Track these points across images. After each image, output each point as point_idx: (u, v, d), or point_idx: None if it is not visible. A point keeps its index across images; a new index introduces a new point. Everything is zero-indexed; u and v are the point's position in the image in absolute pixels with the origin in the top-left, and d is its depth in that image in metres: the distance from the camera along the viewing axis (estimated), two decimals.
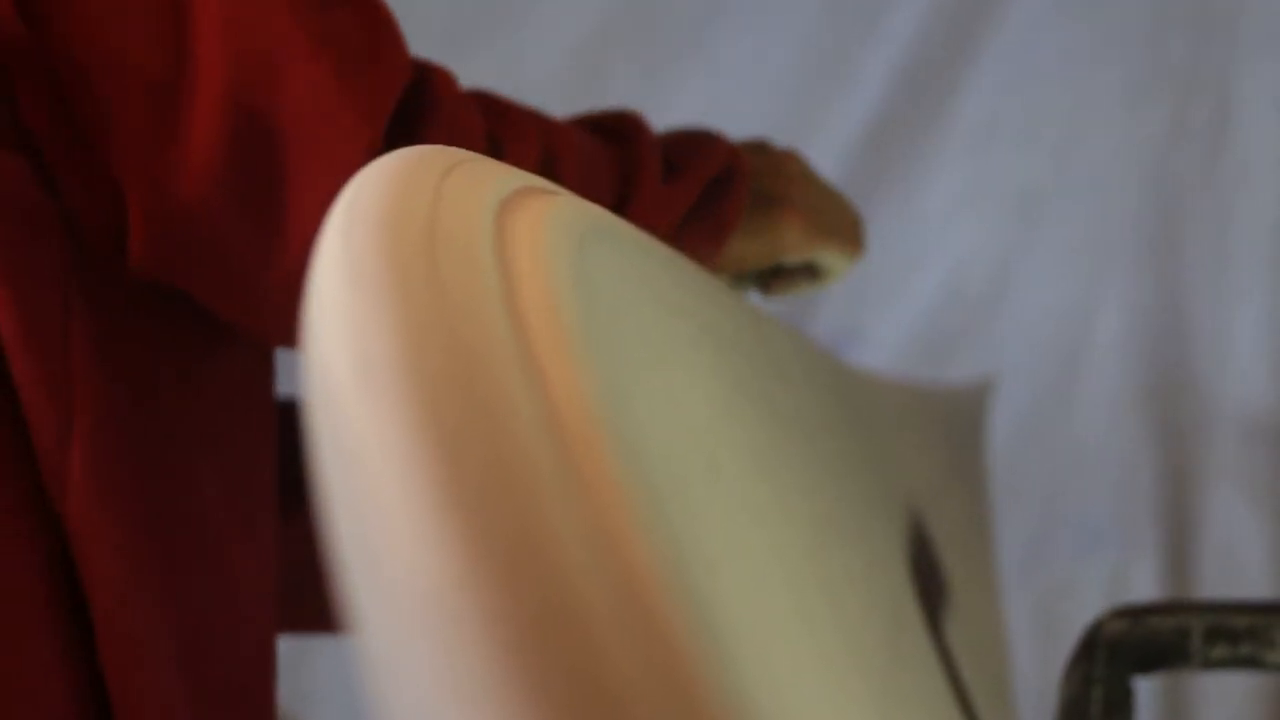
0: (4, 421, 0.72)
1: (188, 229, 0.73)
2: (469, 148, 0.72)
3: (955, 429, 1.41)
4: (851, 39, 1.86)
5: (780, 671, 0.55)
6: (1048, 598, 1.74)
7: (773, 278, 1.03)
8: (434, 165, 0.50)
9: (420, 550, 0.39)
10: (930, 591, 0.98)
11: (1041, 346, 1.83)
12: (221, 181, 0.72)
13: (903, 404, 1.31)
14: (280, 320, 0.69)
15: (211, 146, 0.71)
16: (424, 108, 0.75)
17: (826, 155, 1.84)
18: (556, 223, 0.51)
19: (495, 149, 0.78)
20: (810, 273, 1.02)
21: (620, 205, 0.85)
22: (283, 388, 0.87)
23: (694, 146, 0.91)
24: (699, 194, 0.89)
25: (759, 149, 1.00)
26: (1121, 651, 0.93)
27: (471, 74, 0.83)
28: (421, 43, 0.80)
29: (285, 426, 0.84)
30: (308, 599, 0.84)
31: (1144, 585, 1.74)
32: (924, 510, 1.09)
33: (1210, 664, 0.92)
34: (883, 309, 1.80)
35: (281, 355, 0.86)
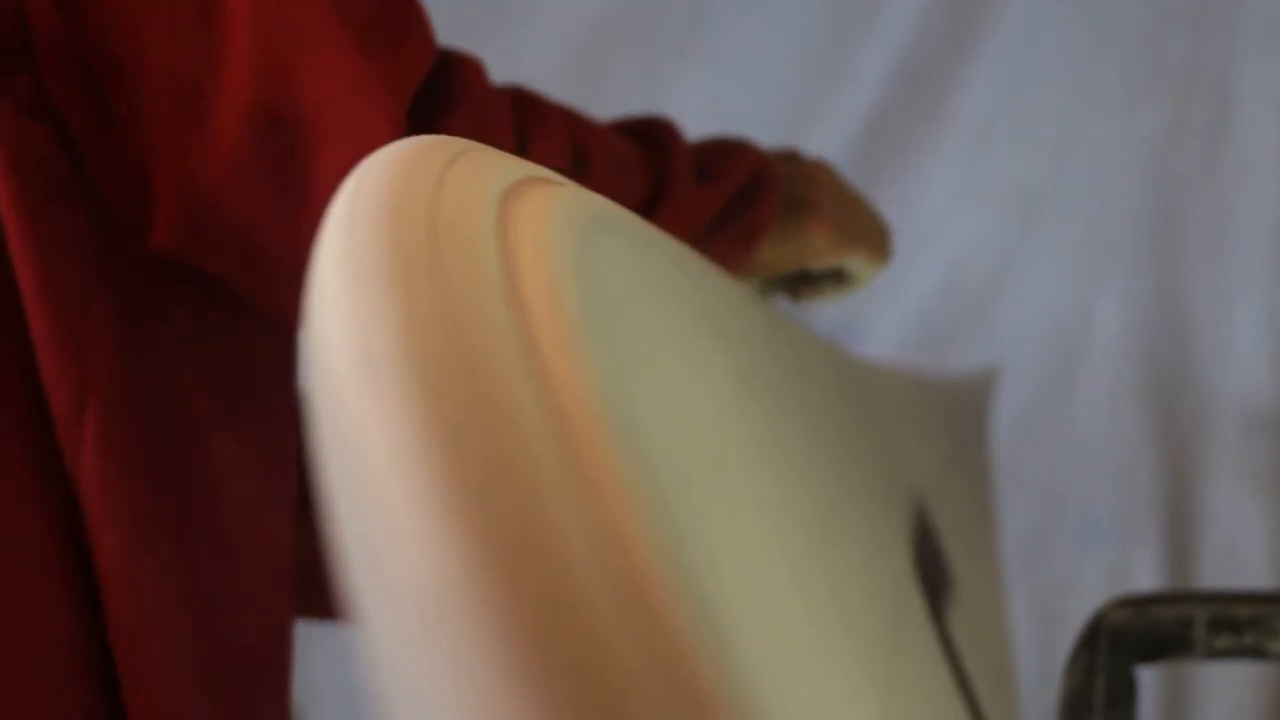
0: (21, 386, 0.73)
1: (215, 209, 0.74)
2: (496, 137, 0.74)
3: (959, 419, 1.41)
4: (851, 36, 1.86)
5: (782, 663, 0.55)
6: (1048, 591, 1.74)
7: (801, 283, 1.05)
8: (436, 155, 0.50)
9: (422, 544, 0.38)
10: (933, 582, 0.98)
11: (1042, 341, 1.83)
12: (249, 161, 0.72)
13: (907, 394, 1.31)
14: (302, 298, 0.70)
15: (239, 126, 0.72)
16: (450, 94, 0.76)
17: (826, 151, 1.83)
18: (559, 213, 0.51)
19: (523, 141, 0.79)
20: (838, 278, 1.05)
21: (651, 206, 0.86)
22: None
23: (725, 153, 0.93)
24: (729, 199, 0.91)
25: (789, 157, 1.01)
26: (1124, 641, 0.93)
27: None
28: None
29: None
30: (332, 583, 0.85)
31: (1144, 578, 1.74)
32: (927, 500, 1.09)
33: (1213, 654, 0.92)
34: (883, 303, 1.80)
35: None
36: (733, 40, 1.87)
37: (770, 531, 0.64)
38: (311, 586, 0.86)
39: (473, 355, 0.42)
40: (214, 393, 0.81)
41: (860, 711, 0.66)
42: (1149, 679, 0.96)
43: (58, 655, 0.74)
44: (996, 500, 1.40)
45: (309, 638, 0.95)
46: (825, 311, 1.20)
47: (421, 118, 0.74)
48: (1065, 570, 1.77)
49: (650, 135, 0.89)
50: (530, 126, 0.80)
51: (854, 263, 1.02)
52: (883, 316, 1.81)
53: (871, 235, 1.03)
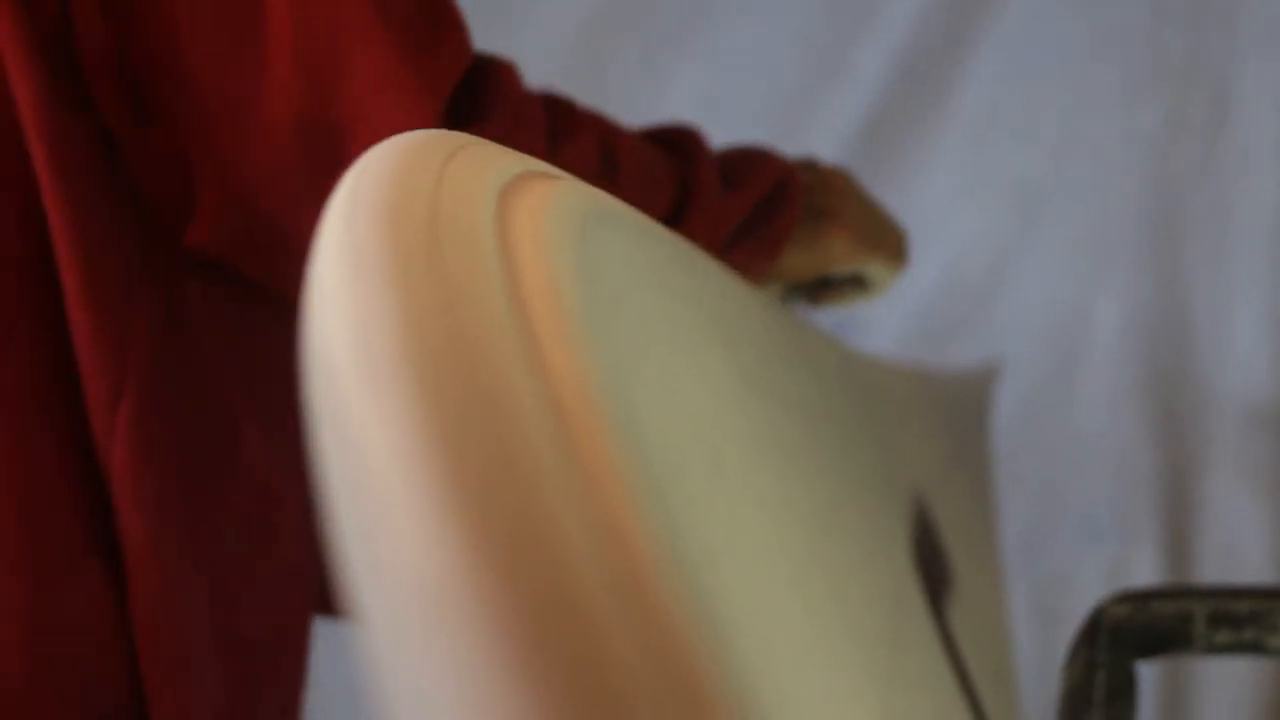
0: (59, 374, 0.75)
1: (253, 209, 0.75)
2: (529, 141, 0.76)
3: (960, 415, 1.41)
4: (851, 32, 1.86)
5: (782, 659, 0.55)
6: (1048, 588, 1.74)
7: (821, 289, 1.08)
8: (437, 150, 0.49)
9: (421, 540, 0.38)
10: (933, 578, 0.98)
11: (1041, 337, 1.83)
12: (288, 161, 0.74)
13: (908, 390, 1.31)
14: None
15: (280, 127, 0.73)
16: (486, 97, 0.77)
17: (825, 146, 1.84)
18: (559, 207, 0.51)
19: (554, 146, 0.80)
20: (858, 284, 1.07)
21: (678, 212, 0.88)
22: None
23: (749, 162, 0.95)
24: (754, 207, 0.93)
25: (808, 166, 1.04)
26: (1124, 636, 0.92)
27: None
28: None
29: None
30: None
31: (1143, 574, 1.74)
32: (928, 496, 1.09)
33: (1213, 649, 0.92)
34: (883, 299, 1.80)
35: None
36: (732, 36, 1.87)
37: (770, 528, 0.64)
38: (332, 584, 0.87)
39: (472, 350, 0.42)
40: (245, 387, 0.82)
41: (860, 708, 0.66)
42: (1149, 674, 0.96)
43: (89, 634, 0.76)
44: (997, 497, 1.40)
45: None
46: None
47: (458, 119, 0.75)
48: (1065, 567, 1.77)
49: (676, 143, 0.91)
50: (562, 131, 0.81)
51: (873, 268, 1.05)
52: (883, 313, 1.81)
53: (890, 241, 1.06)
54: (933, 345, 1.82)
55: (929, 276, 1.82)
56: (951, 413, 1.40)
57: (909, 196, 1.81)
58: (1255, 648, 0.92)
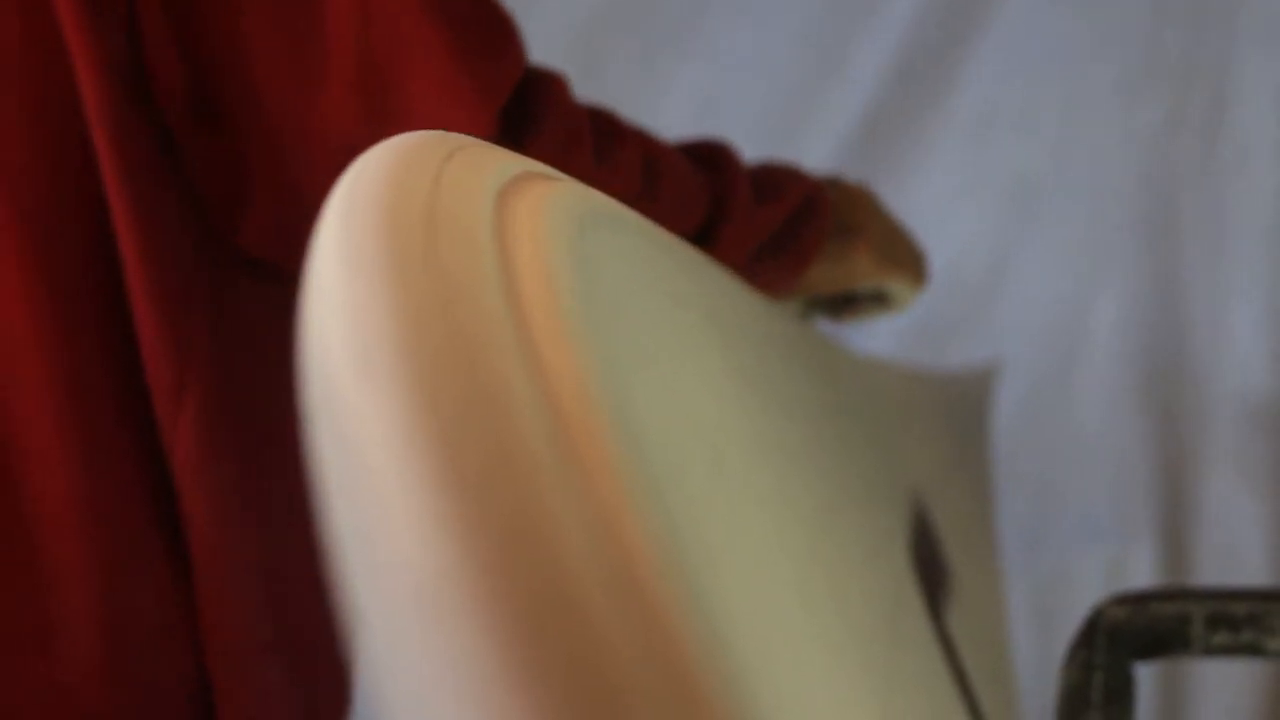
0: (125, 367, 0.76)
1: (306, 210, 0.76)
2: (577, 153, 0.78)
3: (959, 415, 1.41)
4: (849, 29, 1.86)
5: (780, 657, 0.55)
6: (1046, 586, 1.74)
7: (843, 305, 1.11)
8: (435, 150, 0.49)
9: (417, 536, 0.38)
10: (932, 578, 0.98)
11: (1040, 336, 1.83)
12: (345, 162, 0.75)
13: (907, 391, 1.31)
14: None
15: (338, 131, 0.74)
16: (538, 108, 0.78)
17: (824, 144, 1.84)
18: (557, 207, 0.51)
19: (602, 159, 0.82)
20: (879, 300, 1.11)
21: (711, 225, 0.89)
22: None
23: (779, 178, 0.97)
24: (784, 221, 0.95)
25: (834, 183, 1.06)
26: (1122, 638, 0.93)
27: None
28: None
29: None
30: None
31: (1142, 574, 1.74)
32: (926, 497, 1.09)
33: (1211, 651, 0.92)
34: None
35: None
36: (731, 32, 1.87)
37: (769, 528, 0.64)
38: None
39: (470, 348, 0.42)
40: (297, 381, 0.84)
41: (859, 707, 0.66)
42: (1146, 676, 0.96)
43: (158, 624, 0.78)
44: (996, 497, 1.40)
45: None
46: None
47: (510, 129, 0.76)
48: (1063, 567, 1.77)
49: (710, 157, 0.92)
50: (607, 145, 0.83)
51: (895, 286, 1.08)
52: None
53: (912, 259, 1.09)
54: (932, 344, 1.82)
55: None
56: (951, 414, 1.40)
57: (907, 196, 1.81)
58: (1253, 650, 0.92)
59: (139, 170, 0.75)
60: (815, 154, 1.82)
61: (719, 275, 0.79)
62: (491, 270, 0.45)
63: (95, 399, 0.76)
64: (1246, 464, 1.75)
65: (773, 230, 0.94)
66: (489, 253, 0.46)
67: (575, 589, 0.38)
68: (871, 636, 0.75)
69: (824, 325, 1.15)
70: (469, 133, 0.74)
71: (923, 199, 1.83)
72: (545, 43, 1.80)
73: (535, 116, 0.77)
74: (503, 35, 0.78)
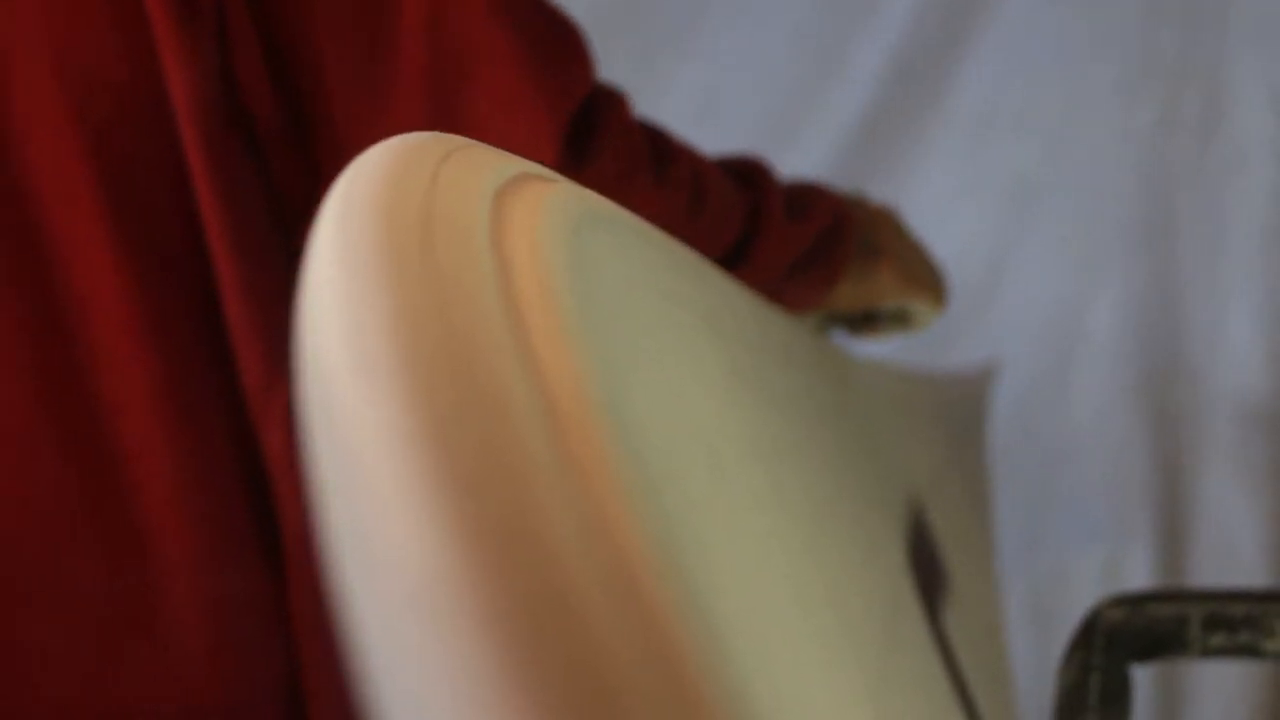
0: (218, 364, 0.78)
1: None
2: (636, 167, 0.80)
3: (957, 417, 1.41)
4: (847, 31, 1.86)
5: (777, 660, 0.55)
6: (1042, 586, 1.74)
7: (864, 322, 1.14)
8: (431, 151, 0.49)
9: (414, 537, 0.38)
10: (929, 580, 0.98)
11: (1036, 335, 1.83)
12: None
13: (904, 392, 1.31)
14: None
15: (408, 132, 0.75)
16: (602, 125, 0.80)
17: (822, 145, 1.84)
18: (553, 209, 0.51)
19: (659, 179, 0.83)
20: (899, 319, 1.13)
21: (747, 241, 0.91)
22: None
23: (810, 196, 0.99)
24: (814, 238, 0.97)
25: (858, 203, 1.08)
26: (1120, 639, 0.92)
27: None
28: None
29: None
30: None
31: (1139, 574, 1.74)
32: (924, 499, 1.09)
33: (1208, 652, 0.92)
34: None
35: None
36: (729, 32, 1.87)
37: (765, 527, 0.64)
38: None
39: (466, 347, 0.42)
40: None
41: (856, 708, 0.66)
42: (1144, 677, 0.96)
43: (254, 616, 0.79)
44: (993, 499, 1.40)
45: None
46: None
47: (574, 144, 0.78)
48: (1060, 567, 1.77)
49: (746, 174, 0.94)
50: (663, 163, 0.84)
51: (917, 304, 1.10)
52: None
53: (934, 280, 1.11)
54: (929, 345, 1.82)
55: None
56: (949, 415, 1.40)
57: (905, 195, 1.81)
58: (1250, 651, 0.92)
59: (230, 178, 0.77)
60: (814, 154, 1.82)
61: (716, 277, 0.79)
62: (488, 271, 0.45)
63: (193, 394, 0.78)
64: (1243, 464, 1.75)
65: (804, 247, 0.96)
66: (486, 253, 0.46)
67: (572, 590, 0.38)
68: (869, 638, 0.75)
69: (840, 339, 1.16)
70: (533, 146, 0.75)
71: (921, 199, 1.83)
72: None
73: (598, 132, 0.79)
74: (571, 50, 0.79)
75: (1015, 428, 1.73)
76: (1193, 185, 1.81)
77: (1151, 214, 1.82)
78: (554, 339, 0.44)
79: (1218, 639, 0.92)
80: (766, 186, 0.93)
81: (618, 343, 0.51)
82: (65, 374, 0.76)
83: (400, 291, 0.43)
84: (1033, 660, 1.48)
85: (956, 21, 1.86)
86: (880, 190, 1.75)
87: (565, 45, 0.79)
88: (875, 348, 1.72)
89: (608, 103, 0.81)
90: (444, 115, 0.76)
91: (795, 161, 1.54)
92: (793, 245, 0.95)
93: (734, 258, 0.91)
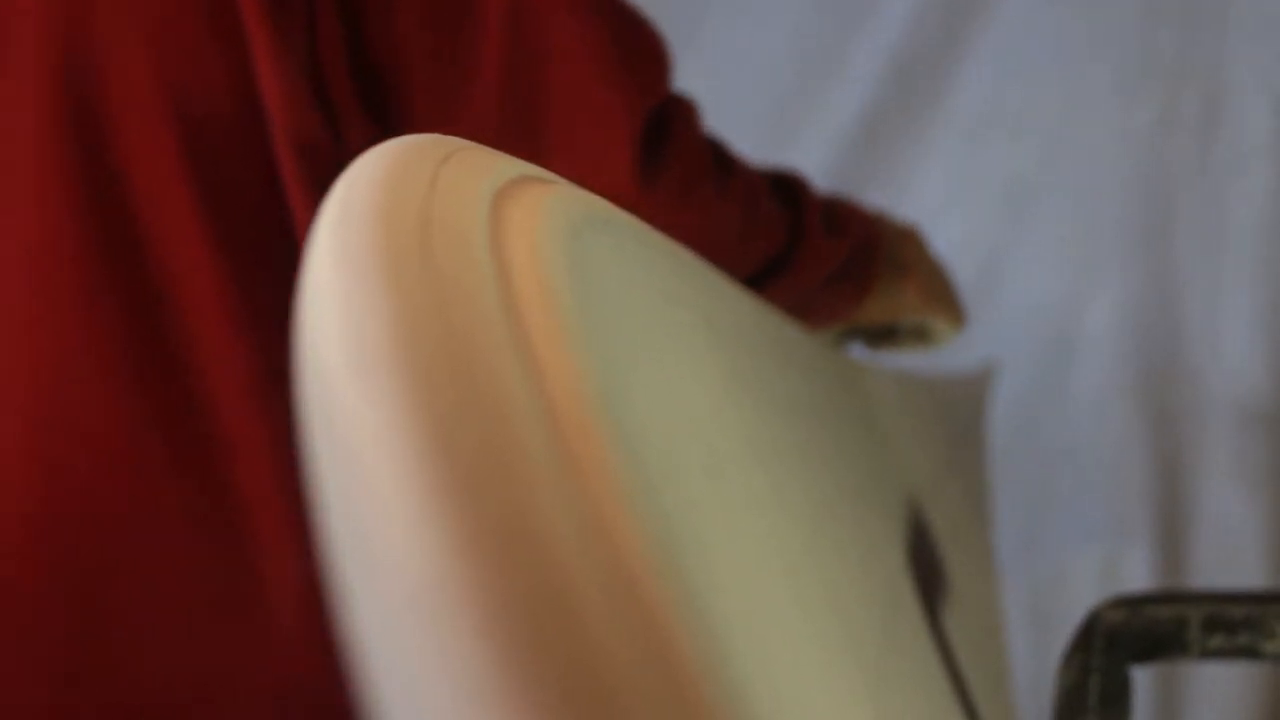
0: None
1: None
2: (701, 176, 0.81)
3: (956, 418, 1.41)
4: (846, 32, 1.86)
5: (776, 660, 0.55)
6: (1041, 588, 1.74)
7: (884, 337, 1.15)
8: (430, 154, 0.49)
9: (413, 537, 0.38)
10: (928, 581, 0.98)
11: (1035, 336, 1.83)
12: None
13: (903, 393, 1.31)
14: None
15: (486, 130, 0.76)
16: (675, 132, 0.80)
17: (820, 146, 1.84)
18: (552, 211, 0.51)
19: (721, 190, 0.84)
20: (919, 335, 1.15)
21: (789, 252, 0.92)
22: None
23: (844, 211, 1.01)
24: (849, 252, 0.98)
25: (882, 220, 1.10)
26: (1119, 641, 0.92)
27: None
28: None
29: None
30: None
31: (1138, 574, 1.74)
32: (923, 500, 1.09)
33: (1208, 654, 0.92)
34: None
35: None
36: (727, 34, 1.87)
37: (764, 528, 0.64)
38: None
39: (465, 348, 0.42)
40: None
41: (855, 709, 0.66)
42: (1143, 679, 0.96)
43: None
44: (992, 500, 1.40)
45: None
46: None
47: (649, 145, 0.78)
48: (1059, 568, 1.77)
49: (785, 186, 0.95)
50: (724, 174, 0.85)
51: (938, 321, 1.12)
52: None
53: (954, 299, 1.13)
54: None
55: None
56: (948, 416, 1.40)
57: (904, 195, 1.81)
58: (1250, 653, 0.92)
59: (318, 172, 0.77)
60: (814, 154, 1.82)
61: (715, 278, 0.79)
62: (487, 272, 0.45)
63: (286, 384, 0.79)
64: (1242, 465, 1.75)
65: (840, 261, 0.97)
66: (484, 256, 0.46)
67: (571, 590, 0.38)
68: (868, 638, 0.75)
69: (859, 352, 1.18)
70: (608, 145, 0.75)
71: (920, 198, 1.83)
72: None
73: (672, 140, 0.79)
74: (650, 53, 0.80)
75: (1013, 428, 1.73)
76: (1192, 185, 1.81)
77: (1150, 214, 1.82)
78: (553, 340, 0.44)
79: (1217, 640, 0.92)
80: (807, 201, 0.95)
81: (617, 344, 0.51)
82: (164, 364, 0.77)
83: (400, 293, 0.43)
84: (1032, 661, 1.48)
85: (955, 22, 1.86)
86: (880, 190, 1.76)
87: (645, 45, 0.80)
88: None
89: (680, 109, 0.81)
90: (521, 111, 0.76)
91: (795, 161, 1.53)
92: (829, 259, 0.96)
93: (774, 270, 0.92)
